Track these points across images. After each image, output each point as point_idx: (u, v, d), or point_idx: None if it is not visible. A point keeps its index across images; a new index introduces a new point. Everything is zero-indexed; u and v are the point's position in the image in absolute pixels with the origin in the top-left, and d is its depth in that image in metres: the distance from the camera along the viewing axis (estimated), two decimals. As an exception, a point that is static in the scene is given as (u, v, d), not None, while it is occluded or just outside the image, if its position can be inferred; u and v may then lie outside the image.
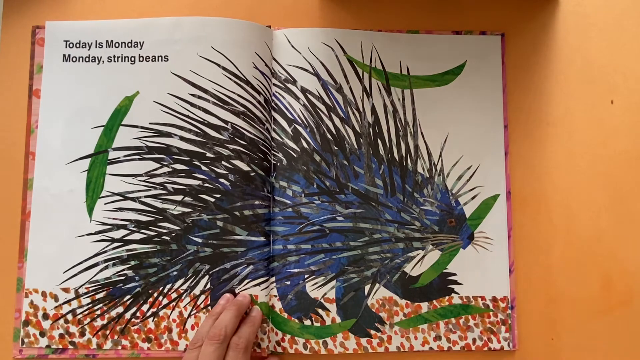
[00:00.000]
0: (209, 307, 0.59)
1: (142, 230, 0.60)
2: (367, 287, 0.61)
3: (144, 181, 0.61)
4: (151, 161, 0.61)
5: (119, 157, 0.61)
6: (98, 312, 0.59)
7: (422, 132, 0.63)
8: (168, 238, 0.60)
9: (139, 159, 0.61)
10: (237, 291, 0.59)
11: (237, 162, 0.60)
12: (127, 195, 0.61)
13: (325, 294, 0.61)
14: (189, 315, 0.59)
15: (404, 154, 0.63)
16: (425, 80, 0.64)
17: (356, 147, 0.62)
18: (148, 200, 0.60)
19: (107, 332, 0.59)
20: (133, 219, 0.60)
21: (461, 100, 0.64)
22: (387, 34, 0.64)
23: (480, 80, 0.64)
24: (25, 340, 0.59)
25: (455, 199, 0.62)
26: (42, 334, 0.59)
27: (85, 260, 0.60)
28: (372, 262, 0.61)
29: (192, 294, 0.60)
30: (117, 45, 0.62)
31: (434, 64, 0.64)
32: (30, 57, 0.63)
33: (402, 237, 0.62)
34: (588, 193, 0.63)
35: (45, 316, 0.59)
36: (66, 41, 0.62)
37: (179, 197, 0.60)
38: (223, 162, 0.60)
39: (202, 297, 0.60)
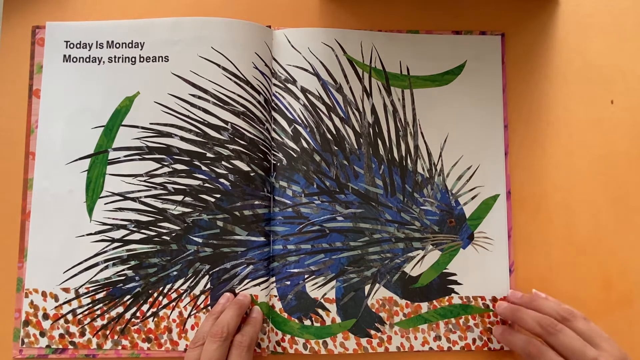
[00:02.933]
0: (209, 307, 0.59)
1: (142, 230, 0.60)
2: (367, 287, 0.61)
3: (144, 181, 0.61)
4: (151, 161, 0.61)
5: (119, 157, 0.61)
6: (98, 312, 0.59)
7: (422, 132, 0.63)
8: (168, 238, 0.60)
9: (140, 159, 0.61)
10: (237, 291, 0.59)
11: (237, 162, 0.60)
12: (127, 195, 0.61)
13: (325, 294, 0.61)
14: (189, 315, 0.59)
15: (404, 154, 0.63)
16: (425, 80, 0.64)
17: (356, 147, 0.62)
18: (148, 200, 0.61)
19: (107, 332, 0.59)
20: (133, 219, 0.60)
21: (461, 100, 0.64)
22: (387, 34, 0.64)
23: (480, 80, 0.64)
24: (25, 340, 0.59)
25: (455, 199, 0.62)
26: (42, 334, 0.59)
27: (86, 260, 0.60)
28: (372, 262, 0.61)
29: (192, 294, 0.60)
30: (117, 45, 0.62)
31: (433, 64, 0.64)
32: (30, 57, 0.63)
33: (402, 237, 0.62)
34: (588, 193, 0.63)
35: (46, 316, 0.59)
36: (67, 41, 0.62)
37: (179, 197, 0.60)
38: (223, 162, 0.60)
39: (202, 297, 0.60)
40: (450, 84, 0.64)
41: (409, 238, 0.62)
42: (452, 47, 0.65)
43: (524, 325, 0.56)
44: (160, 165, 0.61)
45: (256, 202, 0.60)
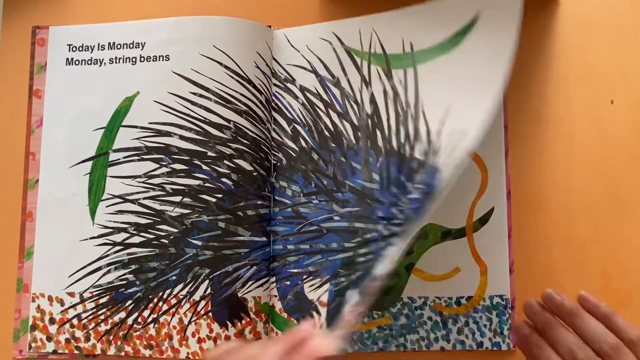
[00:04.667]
0: (210, 314, 0.59)
1: (142, 234, 0.60)
2: (349, 293, 0.59)
3: (143, 182, 0.60)
4: (150, 162, 0.60)
5: (118, 159, 0.61)
6: (102, 317, 0.59)
7: (423, 112, 0.59)
8: (166, 241, 0.59)
9: (138, 160, 0.61)
10: (240, 294, 0.59)
11: (240, 162, 0.60)
12: (127, 197, 0.60)
13: (319, 296, 0.60)
14: (189, 322, 0.59)
15: (402, 141, 0.60)
16: (430, 52, 0.59)
17: (354, 141, 0.61)
18: (147, 202, 0.60)
19: (111, 337, 0.59)
20: (132, 221, 0.60)
21: (466, 69, 0.57)
22: (388, 14, 0.61)
23: (493, 39, 0.56)
24: (33, 345, 0.59)
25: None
26: (49, 339, 0.59)
27: (89, 264, 0.60)
28: (359, 264, 0.59)
29: (191, 299, 0.59)
30: (118, 46, 0.62)
31: (439, 31, 0.59)
32: (30, 57, 0.63)
33: (388, 235, 0.60)
34: (588, 193, 0.63)
35: (52, 320, 0.59)
36: (69, 45, 0.62)
37: (177, 198, 0.60)
38: (225, 161, 0.60)
39: (203, 302, 0.59)
40: (458, 45, 0.58)
41: (395, 234, 0.59)
42: (460, 4, 0.58)
43: (555, 349, 0.46)
44: (158, 166, 0.60)
45: (258, 202, 0.60)
